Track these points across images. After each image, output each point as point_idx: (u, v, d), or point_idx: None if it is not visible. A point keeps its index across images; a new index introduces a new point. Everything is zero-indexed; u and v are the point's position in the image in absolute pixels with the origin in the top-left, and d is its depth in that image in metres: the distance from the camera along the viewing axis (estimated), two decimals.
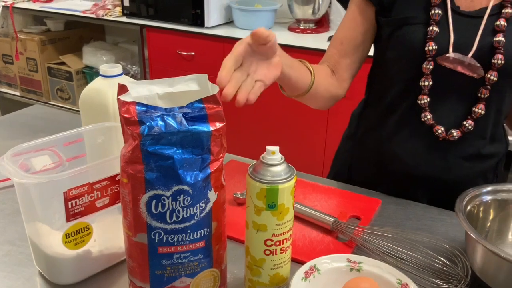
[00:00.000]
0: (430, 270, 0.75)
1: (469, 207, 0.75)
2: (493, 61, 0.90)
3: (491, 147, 1.00)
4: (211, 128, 0.61)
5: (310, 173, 1.08)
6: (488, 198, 0.78)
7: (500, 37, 0.89)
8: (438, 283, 0.72)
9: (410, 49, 0.94)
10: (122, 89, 0.62)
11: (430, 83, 0.93)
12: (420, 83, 0.94)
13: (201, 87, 0.67)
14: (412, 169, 0.99)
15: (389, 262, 0.74)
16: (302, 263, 0.72)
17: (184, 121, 0.60)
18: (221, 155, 0.64)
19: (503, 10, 0.90)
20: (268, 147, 0.63)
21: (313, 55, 2.16)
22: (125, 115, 0.59)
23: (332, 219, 0.85)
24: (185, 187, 0.61)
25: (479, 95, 0.93)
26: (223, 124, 0.62)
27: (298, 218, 0.88)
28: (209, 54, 2.42)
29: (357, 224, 0.88)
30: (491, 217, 0.78)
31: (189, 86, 0.67)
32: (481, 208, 0.77)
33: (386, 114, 1.02)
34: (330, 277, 0.70)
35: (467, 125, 0.94)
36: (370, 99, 1.10)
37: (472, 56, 0.90)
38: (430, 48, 0.91)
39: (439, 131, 0.95)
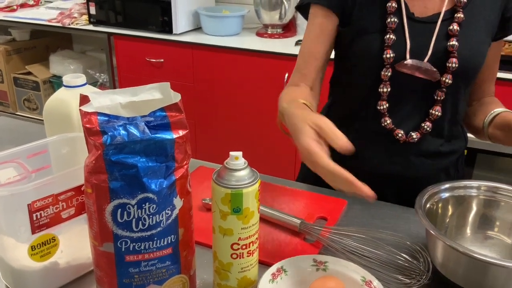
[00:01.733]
0: (393, 267, 0.77)
1: (428, 204, 0.78)
2: (448, 64, 0.93)
3: (450, 144, 1.04)
4: (174, 136, 0.62)
5: (282, 177, 1.10)
6: (446, 195, 0.81)
7: (453, 42, 0.93)
8: (401, 279, 0.74)
9: (368, 58, 0.96)
10: (84, 99, 0.63)
11: (389, 89, 0.96)
12: (379, 90, 0.96)
13: (164, 96, 0.67)
14: (377, 169, 1.02)
15: (354, 260, 0.76)
16: (270, 265, 0.73)
17: (147, 130, 0.60)
18: (185, 162, 0.64)
19: (456, 15, 0.94)
20: (231, 153, 0.65)
21: (281, 59, 2.19)
22: (87, 126, 0.59)
23: (299, 221, 0.86)
24: (150, 195, 0.61)
25: (436, 97, 0.97)
26: (186, 132, 0.63)
27: (266, 221, 0.90)
28: (178, 61, 2.42)
29: (324, 224, 0.90)
30: (449, 213, 0.81)
31: (152, 95, 0.68)
32: (440, 205, 0.80)
33: (348, 119, 1.04)
34: (297, 278, 0.72)
35: (425, 126, 0.98)
36: (333, 104, 1.12)
37: (428, 61, 0.93)
38: (388, 56, 0.93)
39: (399, 135, 0.98)
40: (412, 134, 0.98)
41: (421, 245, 0.78)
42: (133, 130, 0.59)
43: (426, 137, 0.99)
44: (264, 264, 0.77)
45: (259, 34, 2.48)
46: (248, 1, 2.59)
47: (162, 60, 2.45)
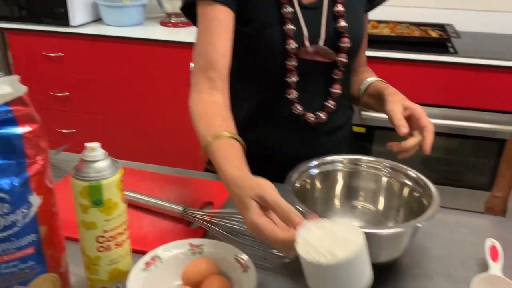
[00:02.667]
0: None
1: (299, 182, 0.81)
2: (341, 44, 0.98)
3: (346, 115, 1.11)
4: (22, 131, 0.59)
5: (193, 168, 1.09)
6: (315, 171, 0.85)
7: (342, 22, 0.97)
8: (276, 253, 0.77)
9: (271, 50, 0.96)
10: None
11: (296, 78, 0.98)
12: (286, 79, 0.98)
13: (15, 89, 0.64)
14: (292, 153, 1.00)
15: (232, 240, 0.78)
16: None
17: None
18: (40, 157, 0.62)
19: None
20: (87, 144, 0.63)
21: (186, 48, 2.17)
22: None
23: (182, 208, 0.87)
24: (2, 195, 0.59)
25: (334, 77, 1.01)
26: (37, 125, 0.61)
27: (149, 210, 0.90)
28: (78, 54, 2.32)
29: (210, 209, 0.91)
30: (319, 188, 0.85)
31: (2, 89, 0.64)
32: (309, 181, 0.84)
33: (258, 111, 1.04)
34: (173, 264, 0.72)
35: (329, 105, 1.02)
36: (235, 100, 1.11)
37: (324, 43, 0.97)
38: (292, 46, 0.95)
39: (311, 118, 1.01)
40: (320, 114, 1.02)
41: None
42: None
43: (331, 114, 1.04)
44: (145, 253, 0.77)
45: (163, 24, 2.43)
46: None
47: (62, 54, 2.34)
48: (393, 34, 2.16)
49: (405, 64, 1.98)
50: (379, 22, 2.28)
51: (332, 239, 0.60)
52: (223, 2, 0.92)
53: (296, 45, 0.95)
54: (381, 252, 0.74)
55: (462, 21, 2.31)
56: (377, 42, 2.05)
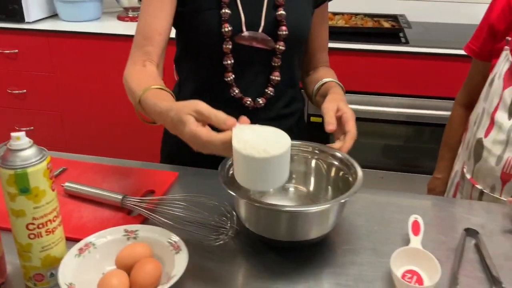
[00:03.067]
0: (207, 226, 0.82)
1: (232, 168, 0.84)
2: (279, 32, 1.01)
3: (290, 107, 1.13)
4: None
5: (151, 160, 1.12)
6: None
7: (281, 11, 1.01)
8: (211, 236, 0.80)
9: (208, 33, 1.00)
10: None
11: (232, 61, 1.02)
12: (223, 62, 1.02)
13: None
14: None
15: (170, 226, 0.81)
16: None
17: None
18: None
19: None
20: (12, 134, 0.65)
21: None
22: None
23: (121, 196, 0.89)
24: None
25: (273, 64, 1.04)
26: None
27: (90, 200, 0.91)
28: (34, 51, 2.30)
29: (151, 197, 0.93)
30: None
31: None
32: None
33: (200, 92, 1.07)
34: (107, 250, 0.74)
35: (268, 92, 1.06)
36: (181, 80, 1.15)
37: (262, 30, 1.01)
38: (226, 29, 0.98)
39: (248, 102, 1.05)
40: (259, 100, 1.06)
41: (230, 207, 0.84)
42: None
43: (270, 101, 1.07)
44: None
45: (120, 18, 2.42)
46: None
47: (17, 50, 2.30)
48: (347, 25, 2.21)
49: (359, 54, 2.03)
50: (335, 14, 2.32)
51: (263, 138, 0.69)
52: None
53: (231, 29, 0.99)
54: (311, 229, 0.77)
55: (414, 11, 2.38)
56: (332, 33, 2.07)
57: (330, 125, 0.88)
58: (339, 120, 0.90)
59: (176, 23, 1.05)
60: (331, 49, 1.99)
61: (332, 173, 0.87)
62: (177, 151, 1.17)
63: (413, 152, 2.24)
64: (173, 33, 1.08)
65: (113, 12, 2.52)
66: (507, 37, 1.04)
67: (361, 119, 2.15)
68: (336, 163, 0.87)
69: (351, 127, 0.88)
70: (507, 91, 1.01)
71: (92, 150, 2.48)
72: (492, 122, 1.04)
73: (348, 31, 2.16)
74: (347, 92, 2.11)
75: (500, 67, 1.04)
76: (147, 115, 0.87)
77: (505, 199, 1.01)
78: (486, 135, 1.05)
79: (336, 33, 2.11)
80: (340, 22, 2.23)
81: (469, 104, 1.21)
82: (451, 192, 1.21)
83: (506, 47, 1.03)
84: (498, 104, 1.03)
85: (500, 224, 0.89)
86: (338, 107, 0.92)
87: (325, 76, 1.11)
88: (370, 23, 2.23)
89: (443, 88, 2.00)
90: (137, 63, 0.97)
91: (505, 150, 1.02)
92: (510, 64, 1.01)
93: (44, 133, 2.45)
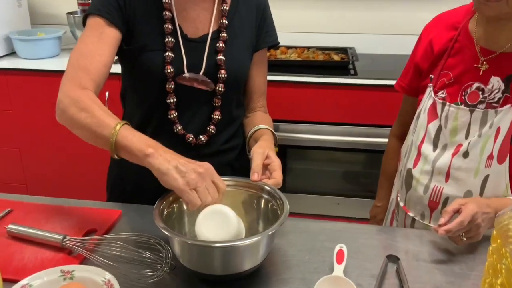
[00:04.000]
0: (145, 263, 0.86)
1: (168, 207, 0.89)
2: (218, 75, 1.09)
3: (231, 142, 1.19)
4: None
5: (95, 198, 1.14)
6: None
7: (221, 56, 1.09)
8: (145, 272, 0.83)
9: (151, 72, 1.06)
10: None
11: (175, 99, 1.08)
12: (166, 101, 1.08)
13: None
14: None
15: (104, 264, 0.84)
16: None
17: None
18: None
19: (221, 34, 1.10)
20: None
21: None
22: None
23: (61, 237, 0.91)
24: None
25: (214, 104, 1.11)
26: None
27: (32, 242, 0.94)
28: None
29: (92, 236, 0.96)
30: (186, 210, 0.93)
31: None
32: (176, 205, 0.92)
33: (145, 126, 1.12)
34: None
35: (210, 129, 1.12)
36: (126, 114, 1.20)
37: (203, 73, 1.08)
38: (169, 71, 1.05)
39: (190, 138, 1.11)
40: (201, 137, 1.12)
41: (162, 241, 0.88)
42: None
43: (212, 138, 1.14)
44: None
45: None
46: (64, 22, 2.56)
47: None
48: (299, 58, 2.30)
49: (310, 86, 2.11)
50: (288, 47, 2.42)
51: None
52: (112, 21, 1.01)
53: (173, 70, 1.05)
54: (243, 261, 0.82)
55: (362, 44, 2.50)
56: (285, 66, 2.19)
57: (255, 175, 0.95)
58: (266, 167, 0.98)
59: (121, 59, 1.11)
60: (284, 81, 2.11)
61: (262, 205, 0.92)
62: (120, 183, 1.22)
63: (368, 178, 2.33)
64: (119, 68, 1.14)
65: (71, 48, 2.55)
66: (430, 75, 1.13)
67: (315, 148, 2.23)
68: (265, 196, 0.92)
69: (277, 176, 0.95)
70: (431, 125, 1.10)
71: (52, 186, 2.47)
72: (419, 154, 1.12)
73: (300, 64, 2.25)
74: (299, 122, 2.19)
75: (425, 102, 1.12)
76: (118, 149, 0.89)
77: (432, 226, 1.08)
78: (414, 165, 1.13)
79: (289, 66, 2.20)
80: (293, 56, 2.33)
81: (402, 136, 1.29)
82: (388, 219, 1.28)
83: (429, 84, 1.12)
84: (424, 137, 1.11)
85: (423, 250, 0.95)
86: (267, 154, 0.99)
87: (261, 122, 1.18)
88: (321, 56, 2.33)
89: (390, 117, 2.10)
90: (85, 87, 0.95)
91: (431, 179, 1.09)
92: (433, 100, 1.09)
93: (3, 170, 2.43)
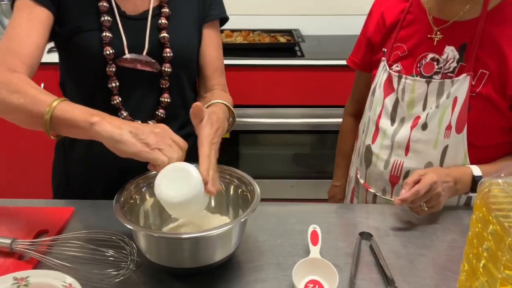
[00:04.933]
0: (105, 263, 0.79)
1: (127, 200, 0.83)
2: (164, 54, 1.01)
3: (186, 128, 1.11)
4: None
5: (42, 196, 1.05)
6: (144, 186, 0.87)
7: (164, 34, 1.01)
8: (109, 272, 0.77)
9: (89, 55, 0.97)
10: None
11: (117, 83, 0.99)
12: (108, 85, 0.99)
13: None
14: (117, 163, 1.01)
15: (67, 267, 0.76)
16: None
17: None
18: None
19: (162, 10, 1.01)
20: None
21: (55, 70, 2.04)
22: None
23: (10, 240, 0.82)
24: None
25: (161, 86, 1.03)
26: None
27: None
28: None
29: (44, 237, 0.87)
30: (149, 201, 0.87)
31: None
32: (138, 196, 0.86)
33: None
34: None
35: (159, 114, 1.05)
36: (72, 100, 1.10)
37: (147, 53, 0.99)
38: (108, 52, 0.96)
39: None
40: (150, 122, 1.03)
41: (128, 239, 0.81)
42: None
43: (163, 123, 1.03)
44: None
45: None
46: None
47: None
48: (245, 41, 2.26)
49: (258, 69, 2.08)
50: (233, 31, 2.37)
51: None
52: (41, 3, 0.92)
53: (113, 52, 0.97)
54: (214, 252, 0.77)
55: (307, 25, 2.49)
56: (231, 50, 2.14)
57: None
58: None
59: (57, 44, 1.02)
60: (231, 65, 2.05)
61: (232, 191, 0.88)
62: (66, 180, 1.12)
63: (319, 159, 2.34)
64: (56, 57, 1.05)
65: None
66: (383, 48, 1.13)
67: (266, 132, 2.21)
68: (234, 181, 0.88)
69: (202, 146, 0.84)
70: (387, 99, 1.09)
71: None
72: (377, 129, 1.12)
73: (246, 47, 2.21)
74: (249, 106, 2.16)
75: (380, 77, 1.12)
76: (59, 126, 0.81)
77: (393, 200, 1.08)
78: (373, 141, 1.13)
79: (235, 49, 2.15)
80: (239, 39, 2.28)
81: (357, 113, 1.29)
82: (348, 197, 1.28)
83: (383, 58, 1.12)
84: (381, 112, 1.11)
85: (391, 225, 0.95)
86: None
87: (215, 98, 1.07)
88: (267, 39, 2.30)
89: (339, 97, 2.11)
90: (15, 70, 0.87)
91: (391, 154, 1.09)
92: (388, 74, 1.09)
93: None
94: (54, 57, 1.09)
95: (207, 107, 1.07)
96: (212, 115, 0.88)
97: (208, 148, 0.82)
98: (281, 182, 2.27)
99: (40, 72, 0.97)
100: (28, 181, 2.22)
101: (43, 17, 0.93)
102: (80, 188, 1.10)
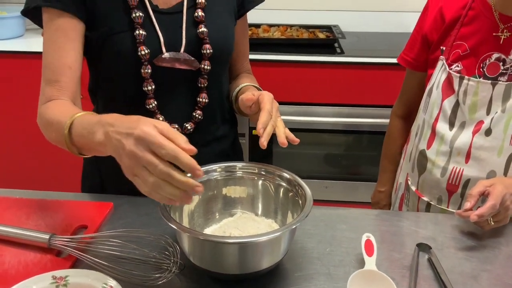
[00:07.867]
0: (149, 264, 0.75)
1: None
2: (202, 51, 0.94)
3: (223, 128, 1.06)
4: None
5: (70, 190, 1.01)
6: None
7: (202, 28, 0.94)
8: (152, 274, 0.73)
9: (123, 58, 0.91)
10: None
11: (153, 86, 0.93)
12: (143, 89, 0.93)
13: None
14: None
15: (106, 267, 0.72)
16: None
17: None
18: None
19: (198, 1, 0.94)
20: None
21: None
22: None
23: (48, 236, 0.79)
24: None
25: (199, 85, 0.97)
26: None
27: (13, 243, 0.81)
28: None
29: (83, 233, 0.84)
30: (196, 200, 0.82)
31: None
32: None
33: None
34: None
35: (196, 115, 0.98)
36: (98, 112, 1.05)
37: (184, 50, 0.93)
38: (143, 52, 0.89)
39: (175, 129, 0.95)
40: (187, 125, 0.98)
41: (170, 239, 0.77)
42: None
43: (200, 125, 0.99)
44: None
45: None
46: None
47: None
48: (283, 37, 2.20)
49: (296, 65, 2.01)
50: (270, 26, 2.30)
51: None
52: (69, 11, 0.87)
53: (148, 51, 0.90)
54: (261, 259, 0.72)
55: (347, 22, 2.42)
56: (268, 45, 2.08)
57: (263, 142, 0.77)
58: (257, 103, 0.84)
59: (86, 50, 0.93)
60: (268, 61, 2.00)
61: (281, 195, 0.82)
62: (100, 182, 1.07)
63: (354, 160, 2.27)
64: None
65: (37, 28, 2.36)
66: (441, 47, 1.05)
67: (301, 130, 2.14)
68: (284, 184, 0.82)
69: (265, 103, 0.80)
70: (446, 101, 1.02)
71: (18, 180, 2.29)
72: (434, 133, 1.05)
73: (284, 42, 2.15)
74: (284, 103, 2.10)
75: (438, 77, 1.04)
76: (77, 145, 0.78)
77: (453, 211, 1.00)
78: (429, 146, 1.06)
79: (272, 45, 2.09)
80: (276, 34, 2.22)
81: (407, 115, 1.22)
82: (396, 205, 1.20)
83: (441, 56, 1.04)
84: (438, 115, 1.04)
85: (450, 236, 0.88)
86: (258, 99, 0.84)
87: (244, 82, 1.04)
88: (305, 34, 2.23)
89: (379, 97, 2.04)
90: (51, 99, 0.88)
91: (449, 161, 1.02)
92: (447, 74, 1.01)
93: None
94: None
95: (239, 90, 1.02)
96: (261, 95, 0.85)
97: (270, 105, 0.80)
98: (315, 182, 2.21)
99: None
100: (57, 174, 2.22)
101: (71, 28, 0.88)
102: (114, 184, 1.05)
